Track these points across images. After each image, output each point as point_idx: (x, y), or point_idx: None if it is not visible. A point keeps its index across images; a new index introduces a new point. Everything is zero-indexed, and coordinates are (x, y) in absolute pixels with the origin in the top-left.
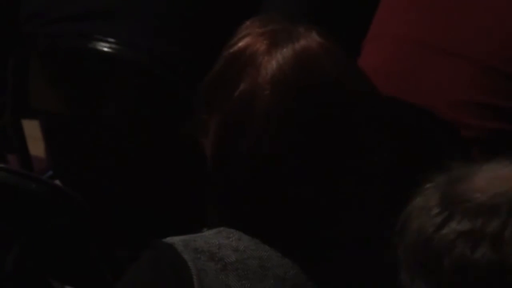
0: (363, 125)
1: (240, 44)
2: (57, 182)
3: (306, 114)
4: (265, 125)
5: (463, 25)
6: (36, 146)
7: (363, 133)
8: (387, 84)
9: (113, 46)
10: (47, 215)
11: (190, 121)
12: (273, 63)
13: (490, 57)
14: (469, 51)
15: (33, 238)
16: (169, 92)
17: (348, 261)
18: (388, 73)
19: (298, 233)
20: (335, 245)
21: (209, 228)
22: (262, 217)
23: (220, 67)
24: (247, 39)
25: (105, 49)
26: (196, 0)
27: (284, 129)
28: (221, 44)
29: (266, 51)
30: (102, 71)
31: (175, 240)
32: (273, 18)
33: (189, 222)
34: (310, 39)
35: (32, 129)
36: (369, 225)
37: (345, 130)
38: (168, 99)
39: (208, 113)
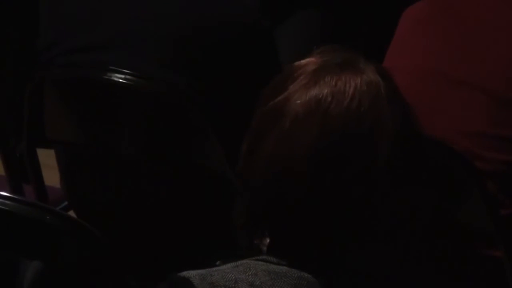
0: (396, 164)
1: (302, 61)
2: (72, 212)
3: (327, 139)
4: (287, 130)
5: (481, 57)
6: (52, 176)
7: (395, 170)
8: None
9: (128, 77)
10: (61, 247)
11: (203, 150)
12: (314, 82)
13: (507, 90)
14: (485, 83)
15: (46, 270)
16: (183, 121)
17: None
18: None
19: (312, 258)
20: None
21: (223, 261)
22: (278, 224)
23: (279, 77)
24: (307, 59)
25: (120, 80)
26: (206, 32)
27: (302, 142)
28: (231, 74)
29: (314, 72)
30: (116, 101)
31: (192, 274)
32: (340, 48)
33: (203, 253)
34: (364, 74)
35: (47, 158)
36: (377, 260)
37: (365, 166)
38: (181, 128)
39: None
